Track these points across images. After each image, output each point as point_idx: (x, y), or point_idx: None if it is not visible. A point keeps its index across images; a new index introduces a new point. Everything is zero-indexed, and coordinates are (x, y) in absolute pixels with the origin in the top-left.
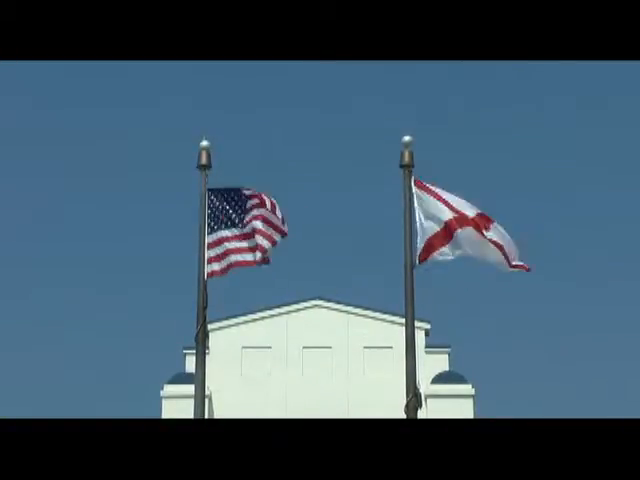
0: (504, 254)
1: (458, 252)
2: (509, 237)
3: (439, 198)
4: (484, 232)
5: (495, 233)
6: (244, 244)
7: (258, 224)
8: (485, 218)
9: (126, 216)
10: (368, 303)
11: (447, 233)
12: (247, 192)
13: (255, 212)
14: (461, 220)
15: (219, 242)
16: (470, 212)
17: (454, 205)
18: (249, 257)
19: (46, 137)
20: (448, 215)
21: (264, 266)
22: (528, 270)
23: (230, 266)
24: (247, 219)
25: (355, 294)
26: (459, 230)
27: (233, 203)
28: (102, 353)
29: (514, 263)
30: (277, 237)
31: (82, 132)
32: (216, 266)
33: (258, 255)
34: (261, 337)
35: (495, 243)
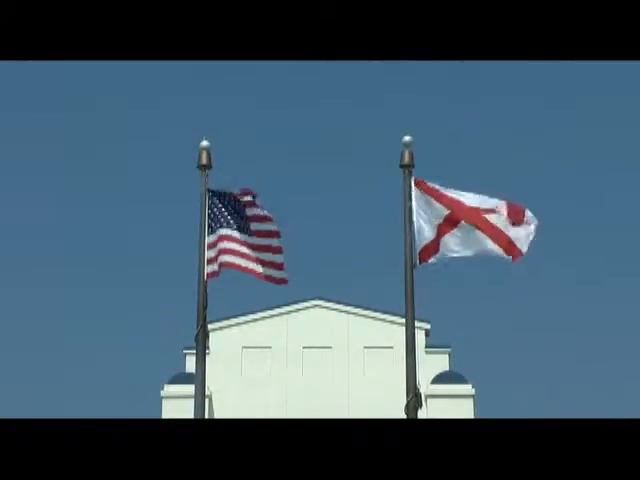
0: (503, 242)
1: (456, 252)
2: (514, 226)
3: (440, 197)
4: (486, 217)
5: (498, 220)
6: (245, 250)
7: (265, 241)
8: (487, 209)
9: (126, 216)
10: (368, 303)
11: (446, 232)
12: (244, 199)
13: (256, 225)
14: (459, 215)
15: (217, 242)
16: (470, 202)
17: (455, 199)
18: (251, 265)
19: (46, 137)
20: (447, 213)
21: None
22: (520, 255)
23: (222, 266)
24: (252, 228)
25: (355, 294)
26: (456, 228)
27: (230, 207)
28: (102, 353)
29: (519, 247)
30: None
31: (82, 132)
32: (214, 266)
33: (270, 271)
34: (261, 337)
35: (495, 229)
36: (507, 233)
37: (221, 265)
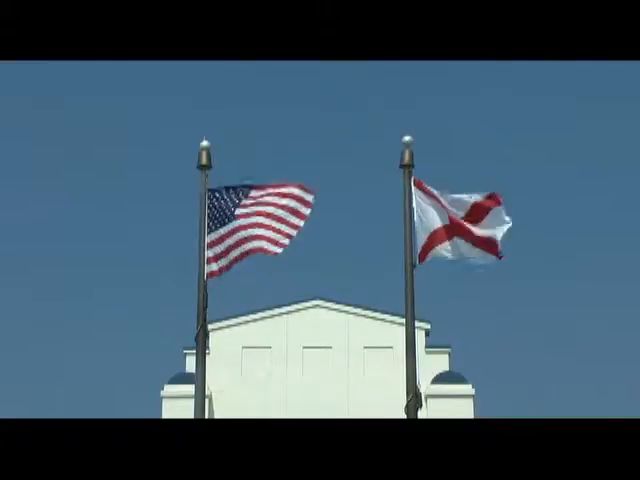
0: (491, 247)
1: (455, 254)
2: (503, 223)
3: (437, 200)
4: (473, 229)
5: (486, 225)
6: (247, 233)
7: (260, 218)
8: (479, 209)
9: (126, 216)
10: (368, 303)
11: (445, 234)
12: (248, 189)
13: (257, 207)
14: (454, 227)
15: (220, 240)
16: (462, 212)
17: (449, 208)
18: (263, 244)
19: (46, 137)
20: (445, 218)
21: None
22: (499, 257)
23: (232, 262)
24: (248, 211)
25: (355, 294)
26: (448, 241)
27: (230, 202)
28: (102, 353)
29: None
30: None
31: (82, 132)
32: (214, 266)
33: (271, 245)
34: (261, 337)
35: (482, 240)
36: (487, 234)
37: (231, 261)
